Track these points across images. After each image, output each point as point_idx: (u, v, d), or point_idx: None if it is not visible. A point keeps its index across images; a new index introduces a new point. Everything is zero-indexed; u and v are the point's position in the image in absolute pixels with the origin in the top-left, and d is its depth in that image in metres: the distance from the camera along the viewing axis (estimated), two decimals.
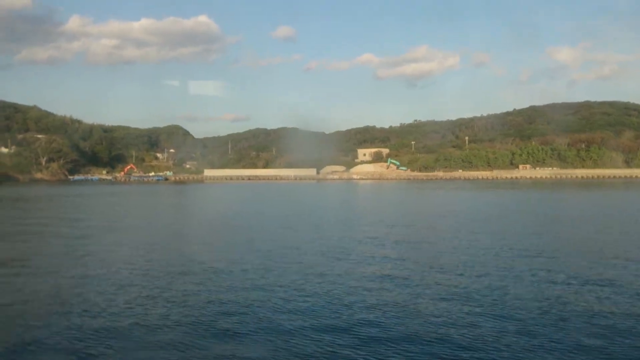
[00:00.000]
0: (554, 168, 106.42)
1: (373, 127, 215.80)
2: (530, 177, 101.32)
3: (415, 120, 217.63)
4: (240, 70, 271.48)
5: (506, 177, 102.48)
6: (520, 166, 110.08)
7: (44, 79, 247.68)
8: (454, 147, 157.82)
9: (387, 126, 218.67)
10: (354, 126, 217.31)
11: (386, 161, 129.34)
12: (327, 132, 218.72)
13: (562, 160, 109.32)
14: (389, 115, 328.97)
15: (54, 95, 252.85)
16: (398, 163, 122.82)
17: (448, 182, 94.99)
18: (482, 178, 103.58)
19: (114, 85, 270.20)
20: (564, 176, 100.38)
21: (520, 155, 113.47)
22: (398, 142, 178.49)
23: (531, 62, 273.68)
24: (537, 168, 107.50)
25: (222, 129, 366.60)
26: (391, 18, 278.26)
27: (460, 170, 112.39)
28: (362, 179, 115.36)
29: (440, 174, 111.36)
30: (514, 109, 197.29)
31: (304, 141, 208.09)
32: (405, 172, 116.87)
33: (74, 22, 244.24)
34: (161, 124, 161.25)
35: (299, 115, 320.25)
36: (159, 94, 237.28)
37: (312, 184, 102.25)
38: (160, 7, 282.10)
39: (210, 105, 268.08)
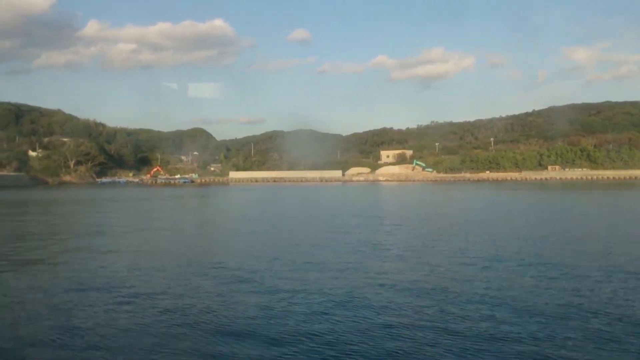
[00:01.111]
0: (584, 169, 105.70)
1: (390, 129, 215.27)
2: (560, 178, 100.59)
3: (432, 122, 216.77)
4: (255, 73, 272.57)
5: (535, 179, 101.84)
6: (549, 167, 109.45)
7: (62, 84, 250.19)
8: (475, 148, 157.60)
9: (404, 128, 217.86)
10: (370, 128, 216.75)
11: (411, 163, 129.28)
12: (344, 134, 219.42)
13: (592, 161, 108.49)
14: (404, 117, 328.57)
15: (72, 99, 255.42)
16: (424, 165, 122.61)
17: (477, 183, 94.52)
18: (511, 179, 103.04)
19: (129, 89, 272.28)
20: (594, 177, 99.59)
21: (549, 156, 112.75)
22: (416, 143, 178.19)
23: (547, 63, 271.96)
24: (567, 169, 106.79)
25: (238, 132, 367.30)
26: (405, 20, 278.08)
27: (488, 172, 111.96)
28: (389, 180, 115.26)
29: (467, 175, 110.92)
30: (533, 110, 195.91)
31: (322, 143, 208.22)
32: (431, 174, 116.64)
33: (91, 27, 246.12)
34: (179, 127, 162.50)
35: (314, 117, 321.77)
36: (174, 97, 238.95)
37: (339, 185, 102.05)
38: (176, 11, 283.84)
39: (225, 108, 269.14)
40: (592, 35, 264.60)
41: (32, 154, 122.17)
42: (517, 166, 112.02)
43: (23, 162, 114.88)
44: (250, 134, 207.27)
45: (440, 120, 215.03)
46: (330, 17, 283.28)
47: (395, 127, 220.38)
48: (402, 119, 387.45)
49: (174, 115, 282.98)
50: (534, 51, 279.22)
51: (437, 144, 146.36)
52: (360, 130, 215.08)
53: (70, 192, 75.26)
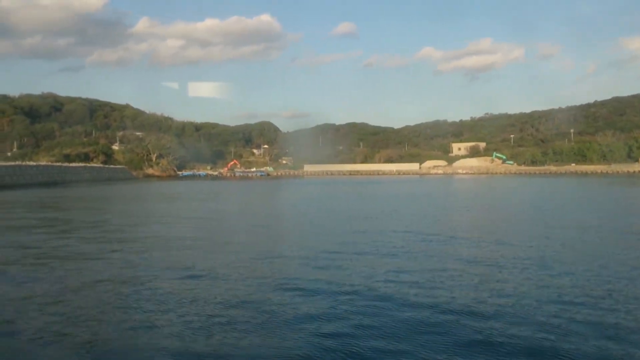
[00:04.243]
0: None
1: (444, 122, 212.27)
2: None
3: (486, 114, 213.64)
4: (301, 67, 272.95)
5: (627, 171, 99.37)
6: None
7: (115, 80, 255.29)
8: (542, 140, 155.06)
9: (456, 120, 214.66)
10: (420, 121, 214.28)
11: (485, 155, 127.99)
12: (395, 127, 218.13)
13: None
14: (454, 109, 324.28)
15: (126, 94, 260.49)
16: (504, 157, 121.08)
17: (568, 176, 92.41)
18: (600, 172, 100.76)
19: (178, 84, 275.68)
20: None
21: (639, 148, 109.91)
22: (472, 135, 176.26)
23: (599, 54, 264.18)
24: None
25: (284, 126, 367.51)
26: (451, 11, 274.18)
27: (573, 164, 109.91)
28: (468, 173, 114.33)
29: (551, 168, 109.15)
30: (595, 101, 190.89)
31: (375, 136, 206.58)
32: (512, 166, 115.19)
33: (142, 24, 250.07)
34: (229, 121, 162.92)
35: (363, 111, 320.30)
36: (220, 92, 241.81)
37: (418, 179, 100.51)
38: (223, 7, 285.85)
39: (269, 102, 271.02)
40: None
41: (115, 147, 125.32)
42: (605, 158, 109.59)
43: (108, 156, 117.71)
44: (301, 127, 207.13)
45: (495, 112, 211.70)
46: (376, 9, 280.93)
47: (444, 119, 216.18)
48: (452, 112, 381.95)
49: (221, 110, 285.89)
50: (586, 41, 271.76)
51: (512, 136, 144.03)
52: (412, 123, 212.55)
53: (178, 185, 76.45)
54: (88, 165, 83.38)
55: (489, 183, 69.89)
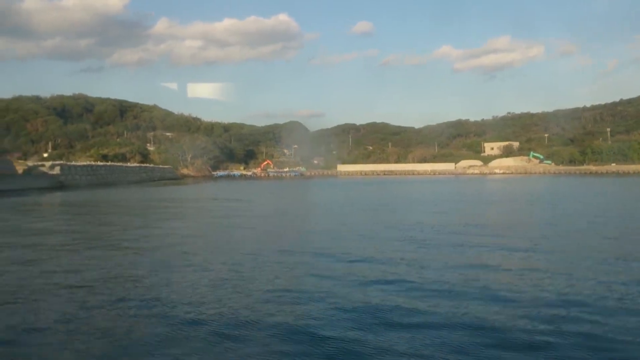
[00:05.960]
0: None
1: (466, 121, 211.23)
2: None
3: (509, 113, 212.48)
4: (317, 66, 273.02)
5: None
6: None
7: (134, 80, 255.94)
8: (571, 139, 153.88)
9: (478, 119, 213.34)
10: (439, 121, 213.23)
11: (520, 154, 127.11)
12: (416, 127, 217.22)
13: None
14: (474, 108, 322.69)
15: (140, 95, 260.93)
16: (542, 157, 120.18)
17: (615, 176, 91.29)
18: None
19: (192, 84, 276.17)
20: None
21: None
22: (495, 135, 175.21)
23: (619, 51, 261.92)
24: None
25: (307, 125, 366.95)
26: (467, 10, 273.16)
27: (614, 164, 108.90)
28: (505, 173, 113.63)
29: (592, 167, 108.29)
30: (621, 99, 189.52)
31: (396, 136, 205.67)
32: (551, 166, 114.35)
33: (161, 25, 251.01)
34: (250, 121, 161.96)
35: (379, 110, 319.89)
36: (237, 91, 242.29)
37: (454, 178, 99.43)
38: (241, 7, 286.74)
39: (286, 102, 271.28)
40: None
41: (149, 147, 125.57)
42: None
43: (144, 156, 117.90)
44: (316, 127, 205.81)
45: (517, 111, 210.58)
46: (393, 8, 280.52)
47: (464, 118, 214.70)
48: (470, 111, 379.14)
49: (238, 110, 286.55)
50: (605, 39, 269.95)
51: (545, 135, 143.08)
52: (433, 122, 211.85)
53: (230, 185, 76.36)
54: (142, 165, 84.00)
55: (545, 183, 68.53)
